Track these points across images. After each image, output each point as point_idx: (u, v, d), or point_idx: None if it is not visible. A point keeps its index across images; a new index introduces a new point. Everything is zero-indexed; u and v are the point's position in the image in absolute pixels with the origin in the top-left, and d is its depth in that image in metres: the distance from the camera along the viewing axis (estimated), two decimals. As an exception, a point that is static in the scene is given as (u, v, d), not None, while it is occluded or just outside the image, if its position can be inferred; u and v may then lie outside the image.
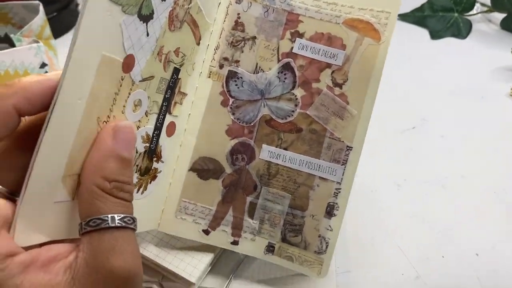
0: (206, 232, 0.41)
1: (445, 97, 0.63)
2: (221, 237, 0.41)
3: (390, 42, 0.39)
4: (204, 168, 0.41)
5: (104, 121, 0.30)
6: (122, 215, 0.27)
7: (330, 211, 0.40)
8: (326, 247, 0.40)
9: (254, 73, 0.41)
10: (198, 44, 0.40)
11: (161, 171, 0.39)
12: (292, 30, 0.41)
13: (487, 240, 0.46)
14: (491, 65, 0.68)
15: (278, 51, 0.41)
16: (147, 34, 0.32)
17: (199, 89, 0.41)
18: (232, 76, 0.41)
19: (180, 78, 0.38)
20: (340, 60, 0.40)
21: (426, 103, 0.61)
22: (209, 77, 0.41)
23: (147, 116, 0.35)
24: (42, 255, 0.25)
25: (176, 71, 0.37)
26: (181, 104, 0.40)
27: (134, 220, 0.28)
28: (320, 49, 0.40)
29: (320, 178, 0.40)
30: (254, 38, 0.41)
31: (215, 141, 0.41)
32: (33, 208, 0.27)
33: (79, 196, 0.28)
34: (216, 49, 0.41)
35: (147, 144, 0.36)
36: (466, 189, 0.51)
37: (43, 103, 0.27)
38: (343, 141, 0.40)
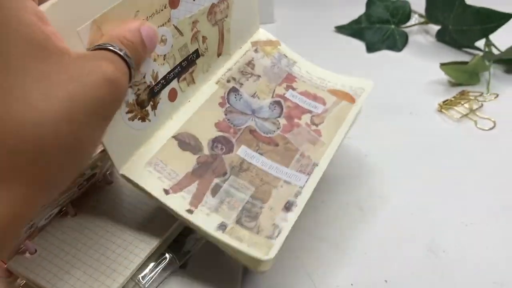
0: (167, 192, 0.41)
1: (372, 113, 0.59)
2: (179, 201, 0.41)
3: (361, 105, 0.50)
4: (185, 141, 0.45)
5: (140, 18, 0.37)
6: (128, 53, 0.31)
7: (288, 207, 0.42)
8: (278, 234, 0.40)
9: (251, 97, 0.50)
10: (218, 56, 0.50)
11: (150, 120, 0.42)
12: (288, 84, 0.52)
13: (398, 267, 0.45)
14: (423, 79, 0.68)
15: (274, 91, 0.51)
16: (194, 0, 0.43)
17: (205, 88, 0.48)
18: (234, 90, 0.49)
19: (196, 64, 0.46)
20: (319, 110, 0.50)
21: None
22: (217, 83, 0.49)
23: (164, 59, 0.42)
24: (49, 24, 0.28)
25: (197, 53, 0.46)
26: (187, 85, 0.46)
27: (132, 66, 0.32)
28: (305, 100, 0.51)
29: (285, 181, 0.44)
30: (259, 76, 0.51)
31: (203, 126, 0.46)
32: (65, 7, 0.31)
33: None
34: (229, 70, 0.51)
35: (152, 81, 0.41)
36: (385, 211, 0.50)
37: None
38: (311, 159, 0.46)
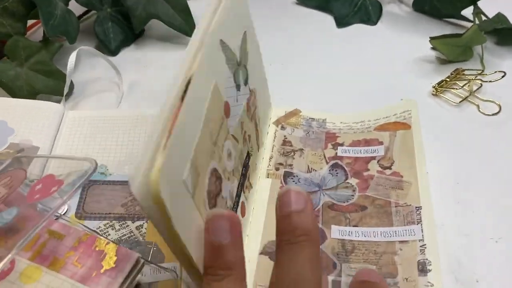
0: (290, 317, 0.34)
1: (359, 101, 0.51)
2: (308, 322, 0.34)
3: (420, 126, 0.46)
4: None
5: (215, 142, 0.33)
6: None
7: (423, 269, 0.36)
8: (435, 303, 0.34)
9: (308, 173, 0.45)
10: (258, 151, 0.45)
11: None
12: (333, 142, 0.47)
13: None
14: (407, 56, 0.58)
15: (324, 156, 0.46)
16: (236, 100, 0.38)
17: (260, 187, 0.43)
18: (288, 175, 0.44)
19: (250, 166, 0.41)
20: (381, 152, 0.45)
21: (333, 108, 0.50)
22: (268, 177, 0.44)
23: (233, 175, 0.37)
24: None
25: (248, 156, 0.41)
26: (248, 192, 0.41)
27: None
28: (360, 149, 0.46)
29: (400, 242, 0.38)
30: (301, 149, 0.47)
31: (282, 226, 0.40)
32: (174, 158, 0.26)
33: None
34: (270, 158, 0.46)
35: (231, 203, 0.36)
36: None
37: None
38: (410, 205, 0.40)
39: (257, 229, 0.40)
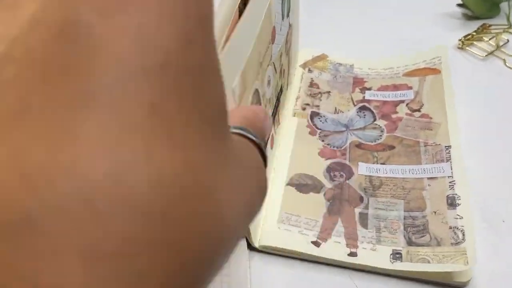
0: (316, 243, 0.34)
1: (382, 53, 0.51)
2: (335, 249, 0.34)
3: (450, 71, 0.45)
4: (302, 183, 0.38)
5: (261, 63, 0.32)
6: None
7: (452, 203, 0.36)
8: (463, 234, 0.33)
9: (335, 114, 0.44)
10: (286, 89, 0.44)
11: None
12: (360, 87, 0.47)
13: None
14: (435, 11, 0.58)
15: (352, 99, 0.46)
16: (280, 29, 0.38)
17: (286, 124, 0.43)
18: (315, 114, 0.44)
19: (280, 102, 0.41)
20: (410, 96, 0.45)
21: (359, 62, 0.49)
22: (294, 116, 0.44)
23: (269, 103, 0.37)
24: None
25: (281, 90, 0.41)
26: (276, 127, 0.41)
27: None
28: (389, 94, 0.46)
29: (429, 178, 0.38)
30: (328, 92, 0.46)
31: (309, 161, 0.40)
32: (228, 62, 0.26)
33: None
34: (297, 99, 0.45)
35: None
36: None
37: None
38: (439, 144, 0.40)
39: (283, 163, 0.40)
